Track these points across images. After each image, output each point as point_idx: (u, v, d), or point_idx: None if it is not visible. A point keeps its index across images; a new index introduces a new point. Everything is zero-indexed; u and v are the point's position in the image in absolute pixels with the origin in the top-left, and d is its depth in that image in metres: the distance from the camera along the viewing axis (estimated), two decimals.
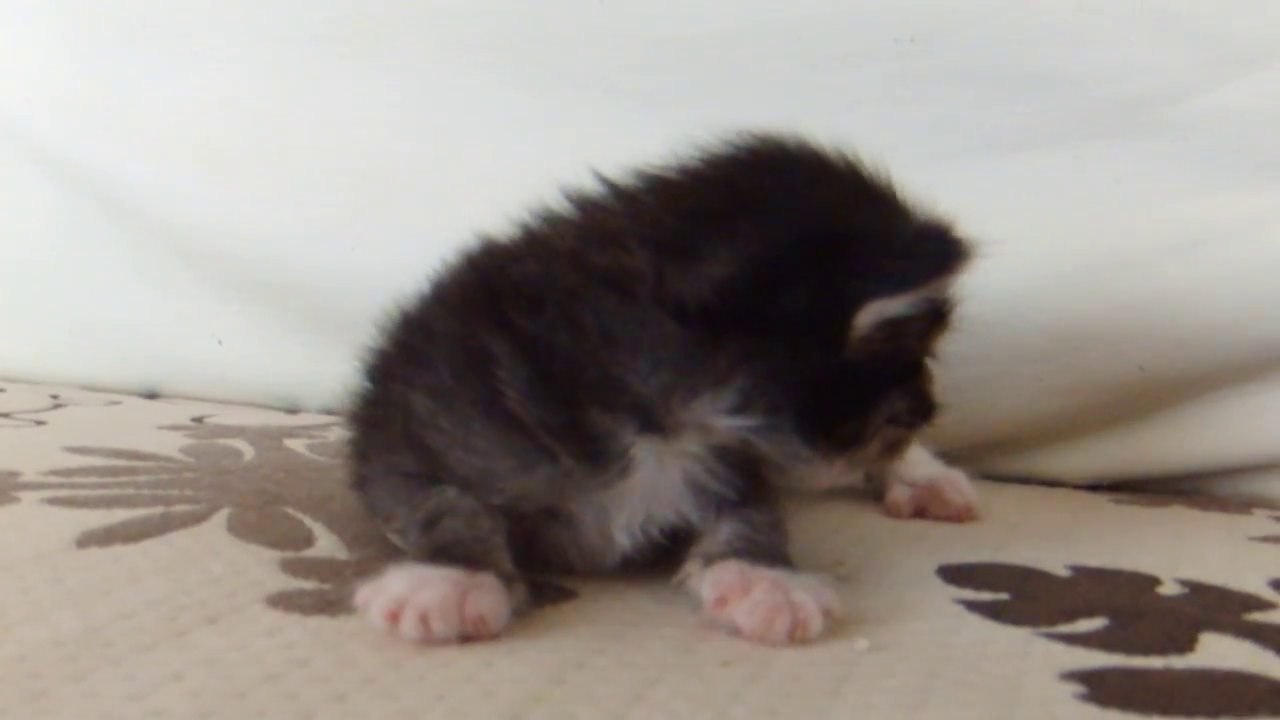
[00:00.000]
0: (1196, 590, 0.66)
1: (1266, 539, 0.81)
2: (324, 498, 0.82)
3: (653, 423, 0.59)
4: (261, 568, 0.64)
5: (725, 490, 0.63)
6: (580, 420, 0.59)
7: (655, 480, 0.61)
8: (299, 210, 1.28)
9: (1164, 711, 0.46)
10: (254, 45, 1.30)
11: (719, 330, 0.57)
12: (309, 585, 0.61)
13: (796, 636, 0.55)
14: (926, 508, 0.87)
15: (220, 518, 0.75)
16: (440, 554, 0.57)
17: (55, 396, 1.32)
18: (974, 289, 0.97)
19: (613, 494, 0.61)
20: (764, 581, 0.57)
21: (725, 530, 0.62)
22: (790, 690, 0.49)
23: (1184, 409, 0.97)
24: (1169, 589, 0.66)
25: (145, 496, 0.79)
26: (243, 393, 1.35)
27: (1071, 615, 0.60)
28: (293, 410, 1.32)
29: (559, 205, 0.65)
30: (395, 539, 0.66)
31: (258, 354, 1.32)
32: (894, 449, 0.66)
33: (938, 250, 0.59)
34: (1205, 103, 0.93)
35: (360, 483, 0.72)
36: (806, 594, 0.56)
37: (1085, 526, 0.84)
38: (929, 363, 0.67)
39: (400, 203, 1.25)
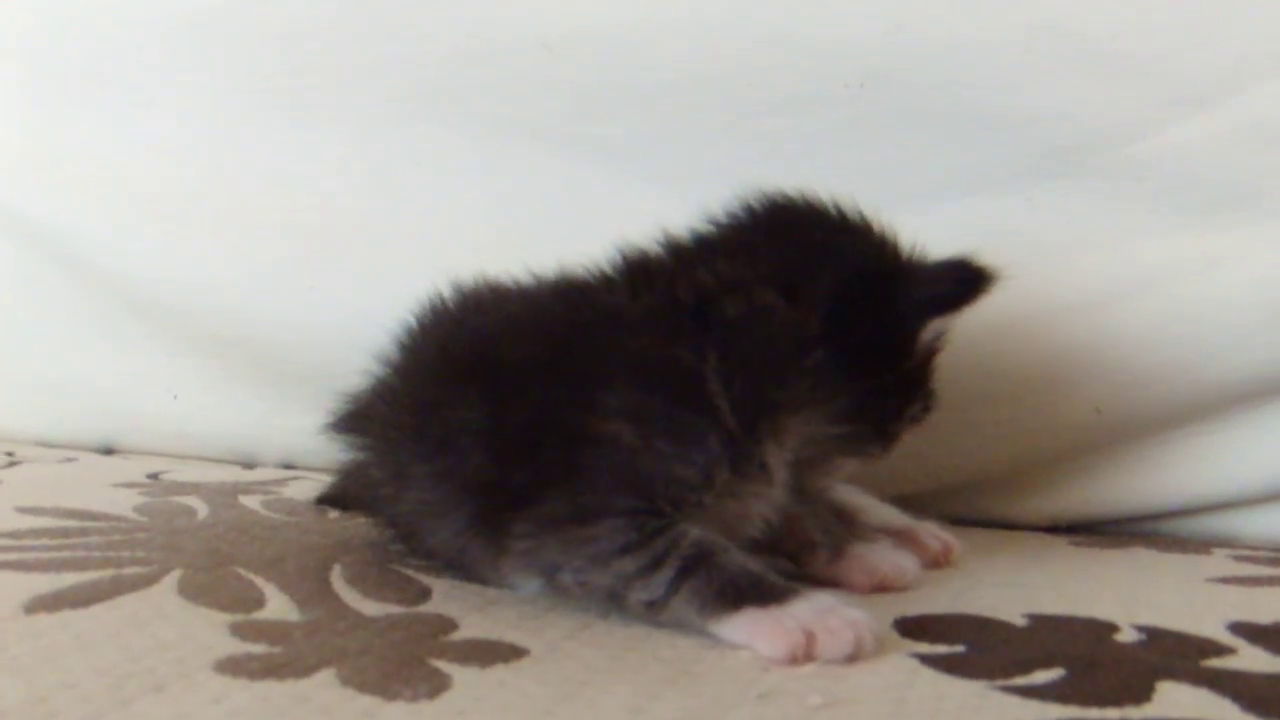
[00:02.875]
0: (1154, 636, 0.66)
1: (1225, 580, 0.81)
2: (276, 557, 0.80)
3: (774, 430, 0.71)
4: (211, 631, 0.63)
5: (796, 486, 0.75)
6: (758, 428, 0.69)
7: (778, 478, 0.72)
8: (249, 263, 1.26)
9: None
10: (201, 98, 1.29)
11: (830, 354, 0.70)
12: (258, 649, 0.60)
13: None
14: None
15: (171, 580, 0.73)
16: (750, 591, 0.64)
17: (10, 454, 1.29)
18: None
19: (769, 490, 0.72)
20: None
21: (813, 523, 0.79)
22: None
23: (1141, 449, 0.98)
24: (1126, 635, 0.66)
25: (96, 559, 0.78)
26: (199, 447, 1.33)
27: (1028, 667, 0.60)
28: (250, 465, 1.30)
29: (649, 248, 0.76)
30: (595, 588, 0.67)
31: (213, 408, 1.30)
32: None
33: (973, 275, 0.73)
34: (1157, 142, 0.94)
35: (510, 538, 0.70)
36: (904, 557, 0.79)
37: (1043, 571, 0.84)
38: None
39: (350, 253, 1.24)
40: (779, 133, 1.07)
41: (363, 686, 0.55)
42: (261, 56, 1.28)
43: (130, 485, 1.10)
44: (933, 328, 0.74)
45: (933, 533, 0.87)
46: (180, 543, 0.84)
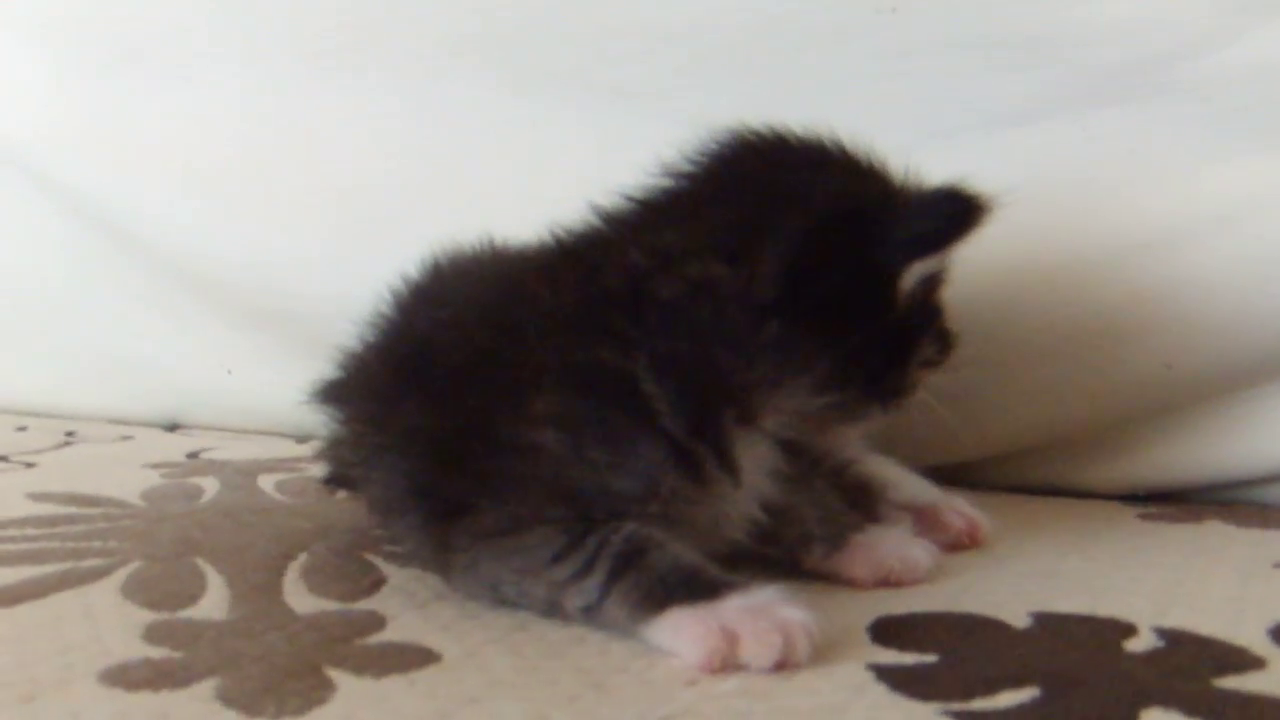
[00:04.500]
0: (1174, 643, 0.56)
1: None
2: (245, 545, 0.77)
3: (746, 415, 0.63)
4: (122, 634, 0.60)
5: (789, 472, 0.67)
6: (712, 423, 0.61)
7: (755, 470, 0.64)
8: (295, 234, 1.24)
9: None
10: (245, 65, 1.27)
11: (793, 321, 0.61)
12: (157, 654, 0.57)
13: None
14: (924, 535, 0.78)
15: (123, 574, 0.71)
16: (679, 589, 0.56)
17: (71, 433, 1.32)
18: (974, 284, 0.87)
19: (735, 490, 0.63)
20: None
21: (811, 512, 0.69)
22: None
23: (1218, 409, 0.85)
24: (1141, 642, 0.56)
25: (63, 550, 0.76)
26: (256, 422, 1.33)
27: (996, 685, 0.50)
28: (304, 438, 1.29)
29: (592, 221, 0.68)
30: (534, 600, 0.61)
31: (266, 383, 1.28)
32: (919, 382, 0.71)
33: (960, 207, 0.62)
34: (1227, 57, 0.80)
35: (450, 551, 0.65)
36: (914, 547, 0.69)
37: (1084, 556, 0.73)
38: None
39: (395, 220, 1.20)
40: (807, 69, 0.97)
41: (232, 700, 0.51)
42: (299, 19, 1.25)
43: (160, 465, 1.09)
44: (915, 271, 0.64)
45: (959, 511, 0.77)
46: (159, 531, 0.82)
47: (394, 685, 0.53)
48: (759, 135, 0.68)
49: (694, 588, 0.56)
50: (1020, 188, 0.87)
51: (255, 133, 1.28)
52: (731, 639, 0.53)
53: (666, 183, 0.67)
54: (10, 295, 1.44)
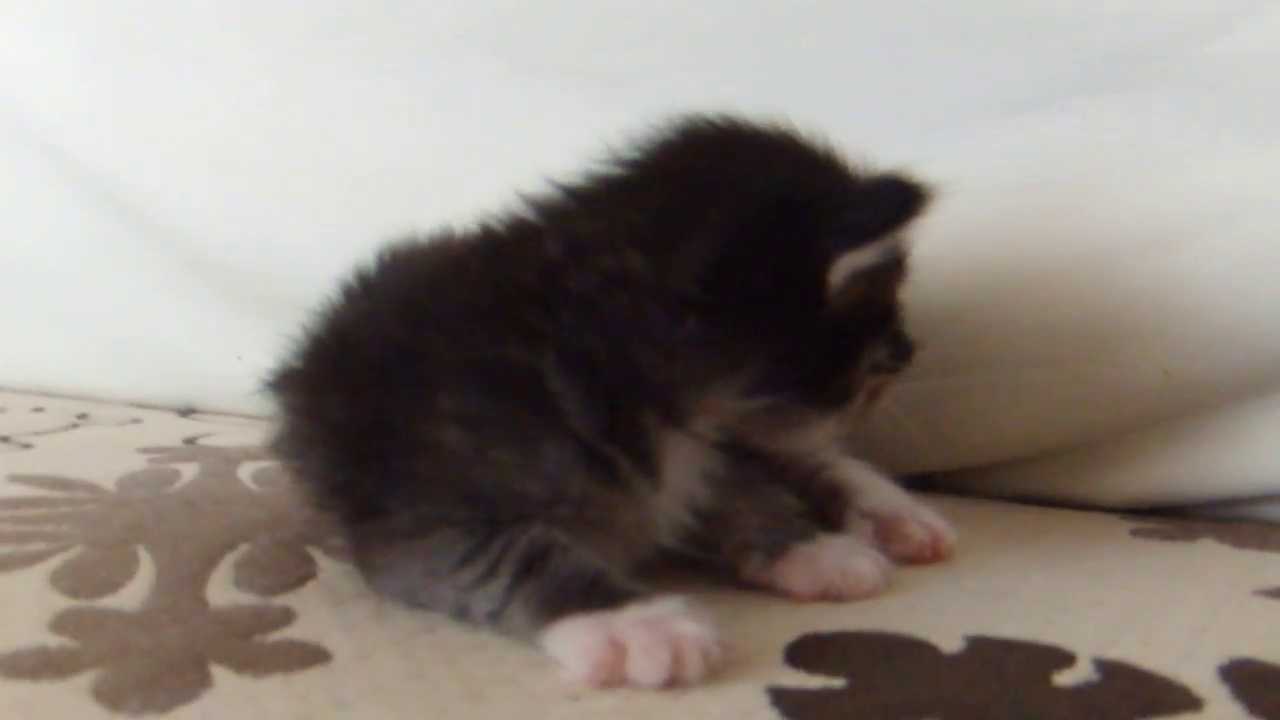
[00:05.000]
0: (1109, 677, 0.51)
1: (1276, 593, 0.63)
2: (188, 535, 0.76)
3: (672, 416, 0.59)
4: (29, 621, 0.59)
5: (728, 476, 0.64)
6: (629, 423, 0.58)
7: (682, 473, 0.61)
8: (304, 220, 1.24)
9: None
10: (258, 50, 1.27)
11: (717, 317, 0.57)
12: (55, 642, 0.56)
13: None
14: (885, 545, 0.73)
15: (58, 560, 0.70)
16: (577, 597, 0.53)
17: (83, 416, 1.33)
18: (964, 283, 0.83)
19: (656, 494, 0.60)
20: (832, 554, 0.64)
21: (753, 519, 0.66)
22: None
23: (1220, 420, 0.79)
24: (1074, 675, 0.51)
25: (12, 534, 0.76)
26: (264, 408, 1.32)
27: (892, 716, 0.47)
28: None
29: (520, 210, 0.64)
30: (444, 603, 0.59)
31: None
32: (876, 394, 0.66)
33: (897, 196, 0.57)
34: (1235, 44, 0.75)
35: (371, 547, 0.63)
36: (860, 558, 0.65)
37: (1053, 572, 0.69)
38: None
39: (402, 206, 1.18)
40: (804, 53, 0.93)
41: (102, 694, 0.50)
42: (312, 5, 1.25)
43: (151, 450, 1.09)
44: (846, 265, 0.58)
45: (923, 522, 0.72)
46: (114, 516, 0.81)
47: (271, 685, 0.51)
48: (710, 123, 0.64)
49: (592, 596, 0.53)
50: (1016, 178, 0.84)
51: (267, 118, 1.28)
52: (621, 652, 0.50)
53: (602, 170, 0.63)
54: (30, 277, 1.46)
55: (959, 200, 0.83)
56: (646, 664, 0.49)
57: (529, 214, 0.63)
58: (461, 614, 0.58)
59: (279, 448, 0.78)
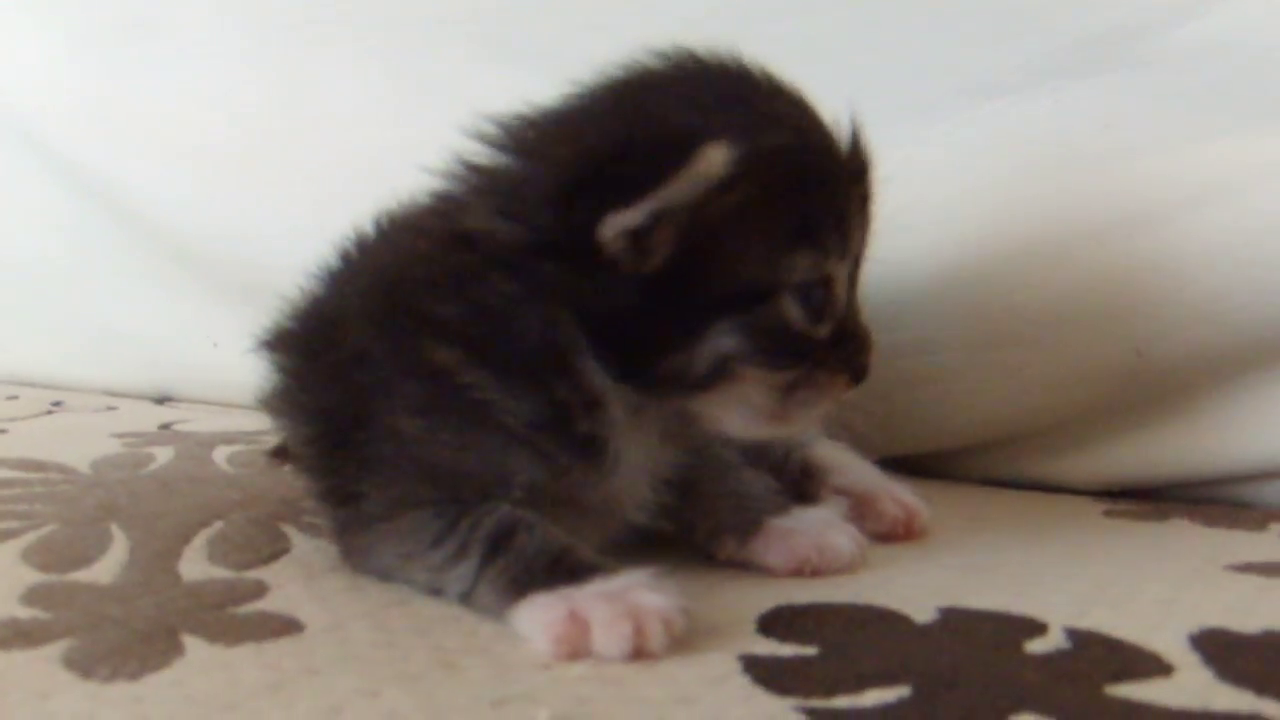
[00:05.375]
0: (1080, 645, 0.51)
1: (1248, 567, 0.64)
2: (163, 513, 0.76)
3: (592, 392, 0.57)
4: (1, 593, 0.59)
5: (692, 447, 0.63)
6: (554, 404, 0.57)
7: (633, 449, 0.60)
8: (279, 208, 1.23)
9: None
10: (233, 40, 1.27)
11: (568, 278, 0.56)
12: (26, 614, 0.57)
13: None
14: (860, 522, 0.73)
15: (32, 537, 0.70)
16: (541, 574, 0.53)
17: (58, 403, 1.32)
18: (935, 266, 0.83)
19: (613, 472, 0.59)
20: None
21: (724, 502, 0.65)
22: None
23: (1192, 400, 0.79)
24: (1045, 643, 0.52)
25: None
26: (240, 395, 1.30)
27: (866, 683, 0.47)
28: None
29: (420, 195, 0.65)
30: (418, 584, 0.59)
31: (250, 356, 1.28)
32: (811, 399, 0.60)
33: (668, 155, 0.53)
34: (1204, 28, 0.75)
35: (351, 531, 0.64)
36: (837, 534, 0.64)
37: (1026, 549, 0.69)
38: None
39: (377, 194, 1.19)
40: (779, 41, 0.92)
41: (74, 663, 0.50)
42: None
43: (126, 435, 1.08)
44: (612, 224, 0.53)
45: (898, 499, 0.73)
46: (88, 496, 0.81)
47: (242, 654, 0.52)
48: (624, 71, 0.62)
49: (556, 572, 0.53)
50: (988, 163, 0.84)
51: (244, 109, 1.28)
52: (583, 626, 0.50)
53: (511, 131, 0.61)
54: (5, 267, 1.46)
55: (931, 184, 0.84)
56: (608, 637, 0.49)
57: (451, 185, 0.62)
58: (436, 594, 0.59)
59: (269, 404, 0.77)
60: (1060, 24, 0.80)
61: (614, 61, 0.63)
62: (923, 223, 0.81)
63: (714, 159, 0.52)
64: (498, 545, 0.55)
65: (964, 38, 0.84)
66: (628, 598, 0.50)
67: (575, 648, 0.49)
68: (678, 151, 0.52)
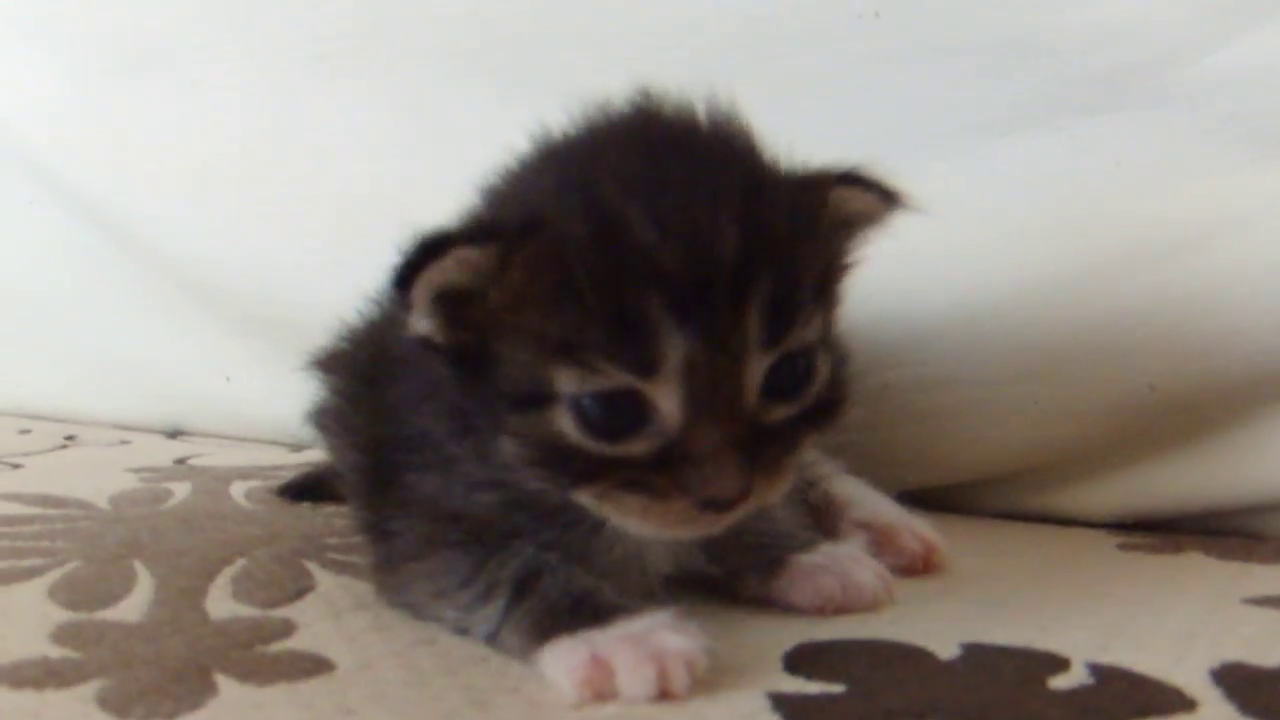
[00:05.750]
0: (1104, 681, 0.52)
1: (1263, 601, 0.64)
2: (185, 550, 0.77)
3: None
4: (30, 632, 0.60)
5: None
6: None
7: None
8: (292, 241, 1.24)
9: None
10: (246, 72, 1.27)
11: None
12: (57, 654, 0.57)
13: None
14: (879, 555, 0.74)
15: (56, 574, 0.71)
16: (565, 617, 0.54)
17: (71, 437, 1.33)
18: (948, 301, 0.83)
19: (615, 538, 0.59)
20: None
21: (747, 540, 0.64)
22: None
23: (1205, 434, 0.80)
24: (1069, 679, 0.52)
25: (8, 549, 0.76)
26: (253, 429, 1.32)
27: None
28: (299, 447, 1.28)
29: None
30: (447, 622, 0.60)
31: (263, 390, 1.28)
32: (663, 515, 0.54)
33: (433, 252, 0.52)
34: (1214, 64, 0.76)
35: (384, 574, 0.65)
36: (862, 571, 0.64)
37: (1044, 584, 0.70)
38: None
39: (390, 229, 1.20)
40: (790, 76, 0.94)
41: (107, 702, 0.51)
42: (301, 26, 1.25)
43: (142, 470, 1.09)
44: (424, 279, 0.53)
45: (916, 533, 0.73)
46: (109, 533, 0.81)
47: (275, 693, 0.52)
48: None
49: (580, 615, 0.54)
50: (1000, 199, 0.85)
51: (255, 139, 1.28)
52: (607, 670, 0.50)
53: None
54: (16, 299, 1.46)
55: (946, 221, 0.85)
56: (632, 680, 0.49)
57: None
58: (463, 634, 0.59)
59: (319, 421, 0.78)
60: (1070, 60, 0.81)
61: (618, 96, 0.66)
62: (939, 258, 0.82)
63: (465, 258, 0.52)
64: (523, 588, 0.56)
65: (975, 75, 0.85)
66: (650, 640, 0.50)
67: (600, 691, 0.49)
68: (440, 248, 0.52)
